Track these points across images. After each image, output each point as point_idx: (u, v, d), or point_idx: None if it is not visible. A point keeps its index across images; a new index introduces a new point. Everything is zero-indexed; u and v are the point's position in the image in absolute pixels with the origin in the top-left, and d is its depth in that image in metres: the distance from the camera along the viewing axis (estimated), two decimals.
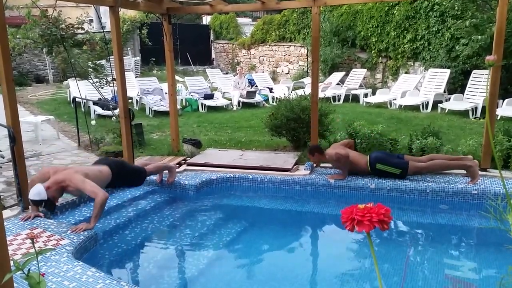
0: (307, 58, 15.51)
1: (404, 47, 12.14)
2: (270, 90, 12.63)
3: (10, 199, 4.70)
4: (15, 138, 3.97)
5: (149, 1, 5.69)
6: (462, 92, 9.97)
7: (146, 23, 15.96)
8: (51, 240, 3.51)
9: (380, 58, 13.15)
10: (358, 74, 12.99)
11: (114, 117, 7.63)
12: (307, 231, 4.70)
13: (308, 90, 9.54)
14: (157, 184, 5.19)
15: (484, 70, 9.58)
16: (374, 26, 12.91)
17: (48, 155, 6.74)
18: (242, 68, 14.28)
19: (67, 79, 14.51)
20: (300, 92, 8.55)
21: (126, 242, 4.03)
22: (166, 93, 10.00)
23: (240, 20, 20.31)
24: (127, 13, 18.00)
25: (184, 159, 5.97)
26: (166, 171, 5.16)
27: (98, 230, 3.97)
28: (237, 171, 5.39)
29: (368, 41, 13.30)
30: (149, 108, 10.23)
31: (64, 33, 7.39)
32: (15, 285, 1.89)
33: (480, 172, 4.83)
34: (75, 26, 7.89)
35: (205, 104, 10.86)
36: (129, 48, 18.24)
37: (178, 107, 8.60)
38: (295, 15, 16.00)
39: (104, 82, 8.03)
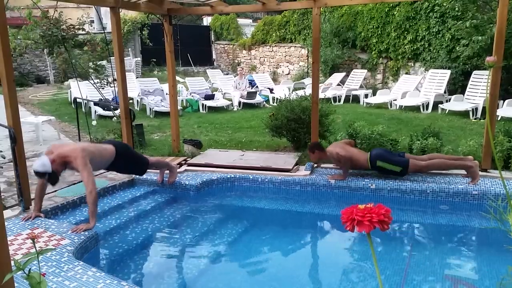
0: (307, 59, 15.52)
1: (405, 48, 12.14)
2: (271, 90, 12.64)
3: (11, 199, 4.70)
4: (16, 138, 3.97)
5: (150, 2, 5.70)
6: (463, 92, 9.97)
7: (147, 24, 15.99)
8: (51, 240, 3.52)
9: (381, 59, 13.16)
10: (358, 75, 13.00)
11: (115, 117, 7.64)
12: (307, 231, 4.70)
13: (308, 90, 9.54)
14: (158, 184, 5.20)
15: (484, 71, 9.58)
16: (374, 27, 12.91)
17: None
18: (242, 68, 14.29)
19: (68, 80, 14.53)
20: (300, 92, 8.55)
21: (127, 242, 4.03)
22: (166, 94, 10.02)
23: (241, 21, 20.33)
24: (128, 14, 18.02)
25: (185, 160, 5.98)
26: (167, 171, 5.17)
27: (99, 230, 3.97)
28: (238, 172, 5.40)
29: (368, 42, 13.31)
30: (150, 109, 10.24)
31: (65, 34, 7.41)
32: (16, 285, 1.90)
33: (480, 173, 4.83)
34: (76, 27, 7.91)
35: (205, 105, 10.86)
36: (130, 49, 18.26)
37: (179, 107, 8.61)
38: (295, 16, 16.01)
39: (105, 83, 8.05)
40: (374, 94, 11.87)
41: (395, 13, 12.21)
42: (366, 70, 13.21)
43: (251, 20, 21.86)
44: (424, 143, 5.43)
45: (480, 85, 9.55)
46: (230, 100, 11.47)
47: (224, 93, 12.19)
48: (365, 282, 3.35)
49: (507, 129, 5.31)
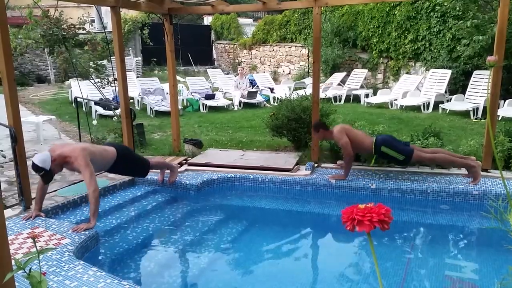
0: (308, 59, 15.51)
1: (405, 48, 12.14)
2: (271, 90, 12.63)
3: (12, 198, 4.70)
4: (16, 138, 3.98)
5: (151, 2, 5.70)
6: (463, 92, 9.96)
7: (147, 24, 15.99)
8: (52, 240, 3.52)
9: (381, 58, 13.15)
10: (359, 75, 12.99)
11: (115, 117, 7.64)
12: (307, 231, 4.70)
13: (309, 90, 9.53)
14: (159, 184, 5.20)
15: (485, 70, 9.57)
16: (375, 26, 12.90)
17: None
18: (243, 68, 14.28)
19: (69, 79, 14.53)
20: (301, 92, 8.55)
21: (127, 241, 4.04)
22: (167, 93, 10.02)
23: (241, 20, 20.32)
24: (128, 14, 18.01)
25: (185, 159, 5.98)
26: (168, 171, 5.17)
27: (99, 229, 3.98)
28: (238, 171, 5.40)
29: (369, 42, 13.30)
30: (151, 108, 10.24)
31: (65, 33, 7.41)
32: (16, 284, 1.90)
33: (481, 173, 4.82)
34: (77, 26, 7.91)
35: (206, 104, 10.87)
36: (130, 49, 18.26)
37: (179, 107, 8.61)
38: (296, 15, 16.00)
39: (106, 82, 8.05)
40: (374, 93, 11.87)
41: (396, 12, 12.20)
42: (366, 70, 13.20)
43: (251, 20, 21.85)
44: (424, 143, 5.43)
45: (481, 85, 9.54)
46: (230, 99, 11.47)
47: (225, 92, 12.19)
48: (365, 282, 3.35)
49: (507, 129, 5.31)
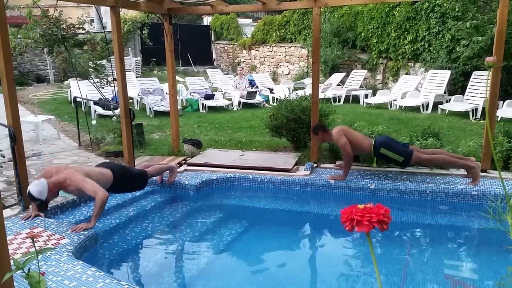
0: (307, 59, 15.52)
1: (405, 48, 12.15)
2: (271, 90, 12.64)
3: (11, 198, 4.70)
4: (15, 137, 3.97)
5: (150, 2, 5.70)
6: (463, 93, 9.97)
7: (147, 24, 15.98)
8: (51, 240, 3.52)
9: (381, 59, 13.16)
10: (358, 75, 13.00)
11: (114, 117, 7.64)
12: (307, 231, 4.70)
13: (308, 90, 9.54)
14: (158, 184, 5.19)
15: (484, 71, 9.58)
16: (374, 27, 12.91)
17: (48, 154, 6.75)
18: (242, 68, 14.28)
19: (68, 79, 14.53)
20: (300, 92, 8.55)
21: (126, 241, 4.03)
22: (166, 93, 10.01)
23: (241, 20, 20.32)
24: (128, 13, 18.01)
25: (185, 159, 5.98)
26: (167, 171, 5.17)
27: (99, 229, 3.97)
28: (237, 171, 5.40)
29: (368, 42, 13.31)
30: (150, 108, 10.24)
31: (65, 33, 7.40)
32: (15, 284, 1.90)
33: (480, 173, 4.83)
34: (76, 26, 7.90)
35: (205, 105, 10.86)
36: (130, 48, 18.25)
37: (179, 107, 8.61)
38: (295, 16, 16.01)
39: (105, 82, 8.04)
40: (374, 94, 11.87)
41: (395, 13, 12.21)
42: (366, 70, 13.21)
43: (251, 20, 21.85)
44: (424, 143, 5.43)
45: (480, 86, 9.55)
46: (230, 100, 11.47)
47: (224, 93, 12.19)
48: (364, 282, 3.35)
49: (506, 130, 5.32)
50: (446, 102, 10.00)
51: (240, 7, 9.48)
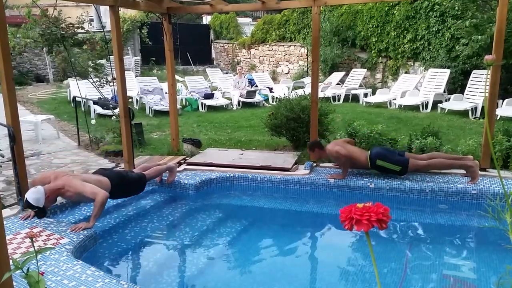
0: (307, 58, 15.51)
1: (404, 47, 12.14)
2: (270, 89, 12.64)
3: (10, 198, 4.70)
4: (15, 137, 3.97)
5: (149, 1, 5.69)
6: (462, 92, 9.98)
7: (146, 23, 15.93)
8: (50, 239, 3.52)
9: (380, 58, 13.16)
10: (358, 74, 13.00)
11: (114, 116, 7.63)
12: (306, 230, 4.70)
13: (308, 90, 9.54)
14: (157, 184, 5.19)
15: (484, 70, 9.59)
16: (374, 26, 12.91)
17: (48, 154, 6.75)
18: (242, 67, 14.28)
19: (67, 79, 14.51)
20: (300, 92, 8.55)
21: (126, 241, 4.03)
22: (166, 93, 10.01)
23: (240, 19, 20.31)
24: (127, 13, 17.99)
25: (184, 159, 5.97)
26: (166, 171, 5.16)
27: (98, 229, 3.97)
28: (237, 171, 5.40)
29: (368, 41, 13.31)
30: (149, 108, 10.23)
31: (64, 32, 7.38)
32: (14, 284, 1.90)
33: (479, 172, 4.83)
34: (75, 25, 7.88)
35: (205, 104, 10.86)
36: (129, 48, 18.24)
37: (178, 106, 8.60)
38: (295, 15, 16.00)
39: (104, 82, 8.03)
40: (373, 93, 11.87)
41: (394, 12, 12.21)
42: (365, 69, 13.21)
43: (250, 19, 21.84)
44: (423, 142, 5.43)
45: (479, 85, 9.55)
46: (229, 99, 11.47)
47: (224, 92, 12.18)
48: (363, 281, 3.35)
49: (506, 129, 5.32)
50: (446, 101, 10.00)
51: (240, 6, 9.48)
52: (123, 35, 16.91)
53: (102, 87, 8.13)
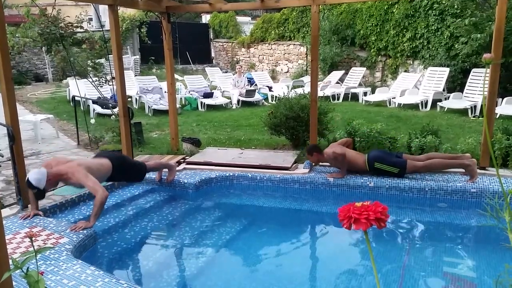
0: (306, 57, 15.51)
1: (404, 46, 12.14)
2: (270, 88, 12.63)
3: (10, 197, 4.70)
4: (14, 137, 3.97)
5: (149, 0, 5.69)
6: (461, 90, 9.98)
7: (145, 22, 15.92)
8: (50, 239, 3.52)
9: (380, 56, 13.15)
10: (357, 73, 13.00)
11: (113, 115, 7.63)
12: (306, 229, 4.71)
13: (307, 88, 9.54)
14: (157, 183, 5.19)
15: (483, 68, 9.58)
16: (373, 24, 12.90)
17: (47, 153, 6.74)
18: (241, 66, 14.27)
19: (67, 78, 14.50)
20: (299, 90, 8.55)
21: (126, 240, 4.03)
22: (165, 92, 10.00)
23: (240, 18, 20.29)
24: (126, 12, 17.97)
25: (184, 158, 5.97)
26: (166, 170, 5.17)
27: (98, 228, 3.97)
28: (236, 170, 5.40)
29: (367, 40, 13.30)
30: (149, 107, 10.23)
31: (63, 31, 7.38)
32: (14, 283, 1.90)
33: (479, 171, 4.83)
34: (74, 24, 7.88)
35: (204, 103, 10.86)
36: (128, 47, 18.22)
37: (178, 105, 8.60)
38: (294, 13, 15.99)
39: (104, 81, 8.03)
40: (373, 92, 11.87)
41: (394, 10, 12.20)
42: (365, 68, 13.21)
43: (250, 18, 21.82)
44: (422, 141, 5.43)
45: (479, 83, 9.55)
46: (229, 98, 11.46)
47: (223, 91, 12.18)
48: (363, 280, 3.36)
49: (505, 127, 5.32)
50: (445, 99, 10.00)
51: (239, 5, 9.46)
52: (122, 34, 16.90)
53: (101, 87, 8.13)
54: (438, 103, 9.80)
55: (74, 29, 7.82)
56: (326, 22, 13.80)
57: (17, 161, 4.05)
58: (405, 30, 12.01)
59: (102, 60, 8.50)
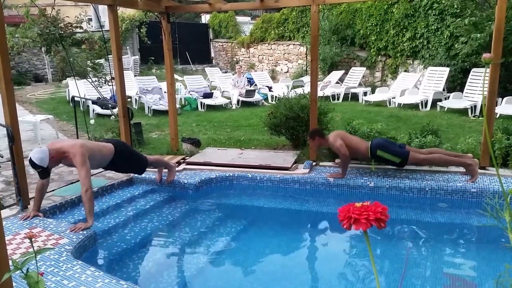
0: (306, 57, 15.51)
1: (403, 46, 12.14)
2: (269, 89, 12.63)
3: (9, 198, 4.69)
4: (13, 137, 3.96)
5: (148, 0, 5.68)
6: (461, 90, 9.98)
7: (145, 22, 15.94)
8: (50, 240, 3.52)
9: (379, 56, 13.15)
10: (357, 73, 12.99)
11: (113, 116, 7.63)
12: (306, 229, 4.70)
13: (307, 88, 9.53)
14: (157, 183, 5.19)
15: (483, 68, 9.58)
16: (373, 24, 12.91)
17: None
18: (241, 67, 14.28)
19: (66, 78, 14.50)
20: (299, 90, 8.54)
21: (126, 241, 4.03)
22: (165, 92, 10.00)
23: (239, 18, 20.30)
24: (126, 12, 17.97)
25: (183, 158, 5.97)
26: (166, 170, 5.16)
27: (98, 229, 3.97)
28: (236, 170, 5.39)
29: (367, 40, 13.30)
30: (148, 107, 10.23)
31: (62, 32, 7.38)
32: (14, 284, 1.89)
33: (479, 170, 4.83)
34: (74, 25, 7.88)
35: (204, 103, 10.85)
36: (128, 47, 18.22)
37: (177, 106, 8.60)
38: (294, 13, 15.99)
39: (103, 81, 8.02)
40: (373, 92, 11.87)
41: (394, 10, 12.20)
42: (365, 68, 13.21)
43: (249, 18, 21.83)
44: (422, 141, 5.43)
45: (479, 83, 9.55)
46: (228, 98, 11.46)
47: (223, 91, 12.18)
48: (363, 280, 3.36)
49: (505, 127, 5.31)
50: (445, 99, 10.00)
51: (238, 5, 9.45)
52: (121, 35, 16.90)
53: (101, 87, 8.12)
54: (438, 103, 9.80)
55: (74, 29, 7.82)
56: (326, 22, 13.80)
57: (17, 161, 4.05)
58: (405, 30, 12.02)
59: (102, 61, 8.50)
